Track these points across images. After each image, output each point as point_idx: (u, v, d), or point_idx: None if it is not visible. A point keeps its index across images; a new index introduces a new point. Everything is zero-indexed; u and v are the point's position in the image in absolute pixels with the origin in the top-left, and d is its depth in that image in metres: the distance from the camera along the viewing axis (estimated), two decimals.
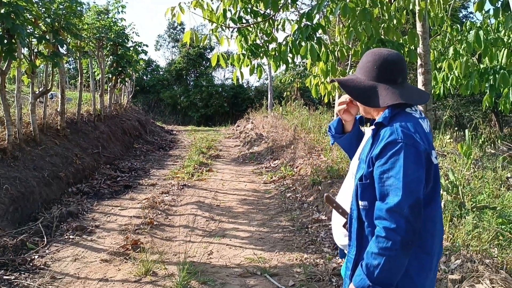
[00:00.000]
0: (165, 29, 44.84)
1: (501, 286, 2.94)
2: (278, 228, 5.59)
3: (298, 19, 5.80)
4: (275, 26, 6.11)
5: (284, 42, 5.76)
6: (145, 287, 3.92)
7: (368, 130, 2.00)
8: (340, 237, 2.01)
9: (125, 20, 13.92)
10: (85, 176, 7.92)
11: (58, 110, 8.44)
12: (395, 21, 5.61)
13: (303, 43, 5.68)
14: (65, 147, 8.05)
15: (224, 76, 33.38)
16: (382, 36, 5.48)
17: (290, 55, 5.81)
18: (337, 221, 2.02)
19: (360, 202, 1.79)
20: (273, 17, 6.02)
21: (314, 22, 5.53)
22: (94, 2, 12.42)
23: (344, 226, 1.93)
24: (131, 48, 13.03)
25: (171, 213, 6.26)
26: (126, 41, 12.60)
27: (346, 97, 2.05)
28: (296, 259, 4.56)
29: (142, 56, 14.28)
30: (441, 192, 4.38)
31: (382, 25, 5.56)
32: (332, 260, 4.46)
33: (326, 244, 4.91)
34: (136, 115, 15.93)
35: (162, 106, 29.50)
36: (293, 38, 5.68)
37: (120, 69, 12.62)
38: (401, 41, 5.60)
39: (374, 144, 1.79)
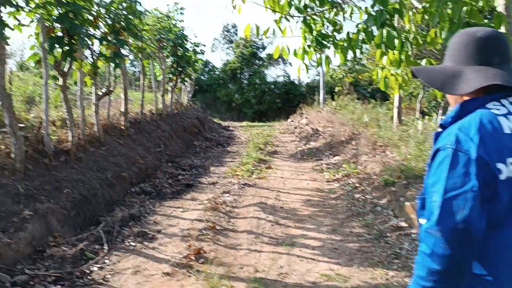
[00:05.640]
0: (219, 32, 44.55)
1: None
2: (351, 236, 4.67)
3: (366, 7, 4.86)
4: (343, 14, 5.17)
5: (356, 30, 4.83)
6: None
7: None
8: None
9: (183, 21, 13.36)
10: (148, 175, 7.32)
11: (122, 110, 7.90)
12: (480, 3, 4.55)
13: (376, 31, 4.75)
14: (128, 146, 7.49)
15: (276, 74, 32.58)
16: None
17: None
18: None
19: (420, 220, 1.35)
20: (341, 4, 5.07)
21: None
22: (156, 9, 11.86)
23: None
24: (190, 49, 12.45)
25: (233, 216, 5.50)
26: (185, 42, 12.02)
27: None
28: (380, 278, 3.64)
29: (200, 56, 13.67)
30: None
31: (464, 8, 4.49)
32: None
33: (414, 258, 3.95)
34: (195, 113, 15.39)
35: (218, 104, 29.33)
36: (365, 26, 4.75)
37: (180, 69, 12.10)
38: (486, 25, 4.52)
39: None
